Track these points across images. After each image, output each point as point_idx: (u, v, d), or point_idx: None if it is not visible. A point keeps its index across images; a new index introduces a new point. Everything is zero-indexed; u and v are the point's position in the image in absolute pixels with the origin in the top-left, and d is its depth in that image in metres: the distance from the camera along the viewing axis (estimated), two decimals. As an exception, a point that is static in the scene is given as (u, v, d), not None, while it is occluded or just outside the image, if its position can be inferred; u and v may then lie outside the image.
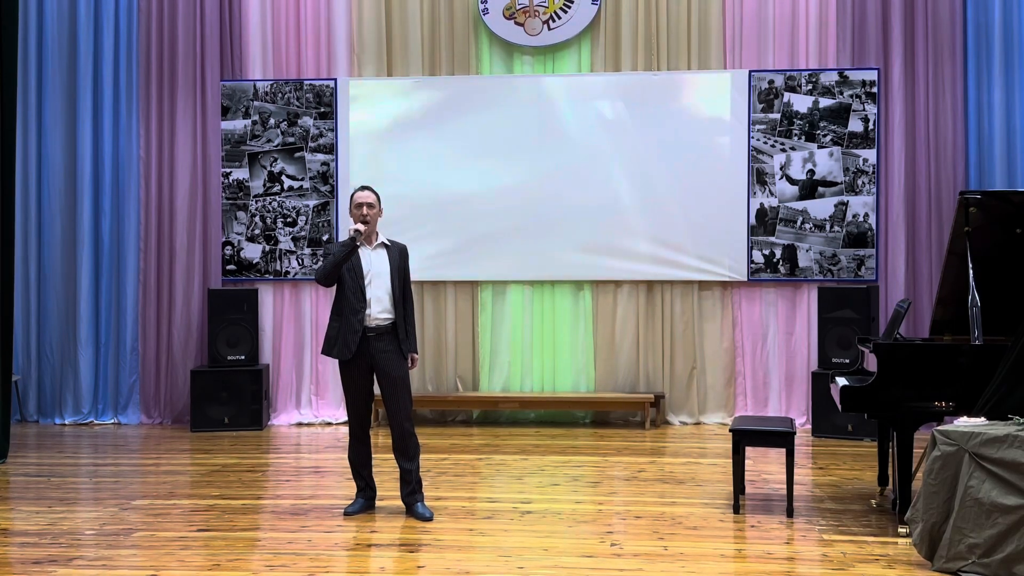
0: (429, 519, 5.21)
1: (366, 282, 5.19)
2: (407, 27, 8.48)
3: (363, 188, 5.36)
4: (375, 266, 5.24)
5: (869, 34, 8.03)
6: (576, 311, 8.43)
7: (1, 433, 6.85)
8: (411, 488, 5.31)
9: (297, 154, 8.50)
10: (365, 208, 5.22)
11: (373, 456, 5.49)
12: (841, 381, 5.20)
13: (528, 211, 8.33)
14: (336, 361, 5.36)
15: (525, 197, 8.33)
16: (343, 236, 8.38)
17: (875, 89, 8.00)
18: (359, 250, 5.23)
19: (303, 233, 8.47)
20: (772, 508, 5.42)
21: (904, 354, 4.86)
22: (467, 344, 8.42)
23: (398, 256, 5.32)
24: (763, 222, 8.14)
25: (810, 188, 8.10)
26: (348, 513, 5.33)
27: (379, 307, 5.20)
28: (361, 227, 5.17)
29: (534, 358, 8.45)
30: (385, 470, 5.81)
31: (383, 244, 5.33)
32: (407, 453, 5.26)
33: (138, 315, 8.51)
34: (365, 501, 5.40)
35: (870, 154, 8.02)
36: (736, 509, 5.32)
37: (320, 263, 5.24)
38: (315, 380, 8.53)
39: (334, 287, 5.30)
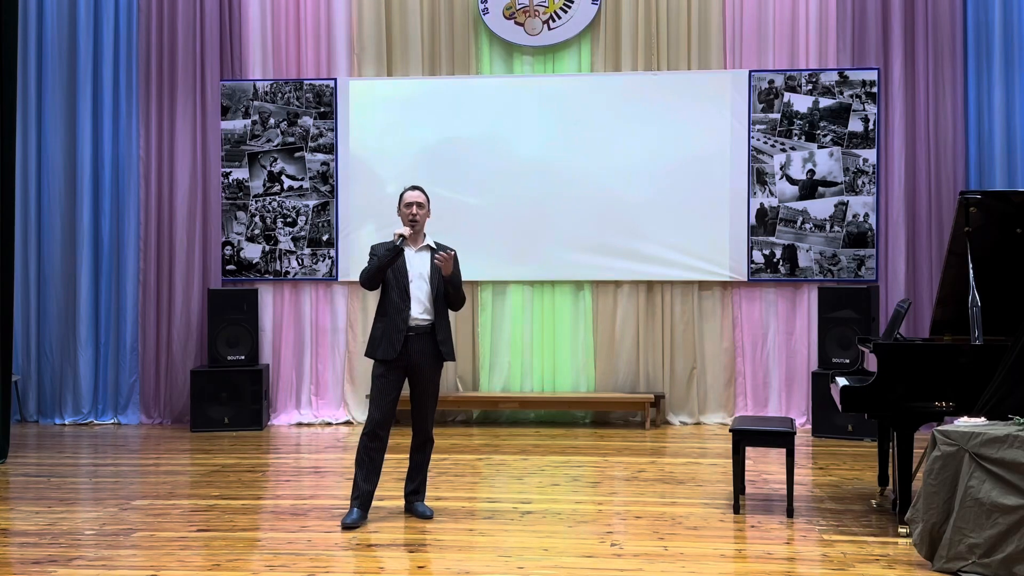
0: (429, 517, 5.21)
1: (408, 282, 5.13)
2: (407, 27, 8.48)
3: (413, 188, 5.28)
4: (416, 268, 5.18)
5: (869, 34, 8.03)
6: (576, 311, 8.43)
7: (1, 433, 6.85)
8: (415, 487, 5.32)
9: (297, 154, 8.50)
10: (415, 208, 5.17)
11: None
12: (841, 381, 5.20)
13: (528, 211, 8.33)
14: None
15: (525, 197, 8.33)
16: (343, 235, 8.41)
17: (875, 89, 8.00)
18: (404, 251, 5.16)
19: (303, 233, 8.48)
20: (772, 508, 5.42)
21: (904, 354, 4.85)
22: (467, 344, 8.42)
23: None
24: (763, 222, 8.13)
25: (810, 188, 8.10)
26: (347, 526, 5.09)
27: (419, 308, 5.13)
28: (407, 231, 5.11)
29: (534, 358, 8.44)
30: (385, 470, 5.77)
31: (428, 247, 5.25)
32: (425, 455, 5.30)
33: (138, 315, 8.51)
34: (361, 511, 5.18)
35: (870, 154, 8.02)
36: (736, 509, 5.32)
37: (365, 266, 5.19)
38: (315, 380, 8.52)
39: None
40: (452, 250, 5.25)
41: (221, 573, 4.37)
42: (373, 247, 5.26)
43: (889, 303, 7.83)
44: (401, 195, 5.28)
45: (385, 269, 5.11)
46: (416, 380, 5.20)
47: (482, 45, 8.51)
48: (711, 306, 8.28)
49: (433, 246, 5.27)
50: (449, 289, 5.20)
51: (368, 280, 5.16)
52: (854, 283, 7.90)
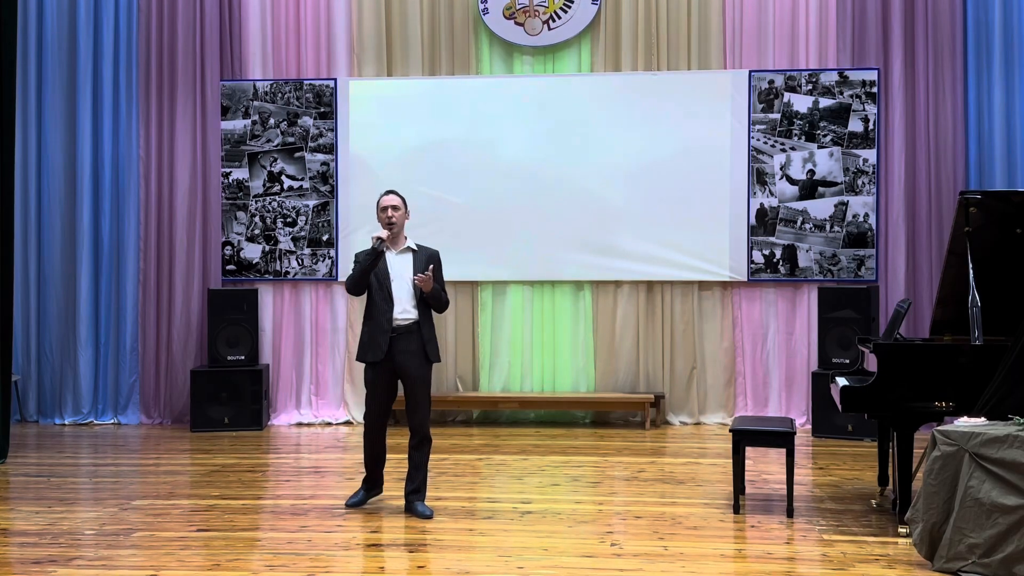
0: (429, 517, 5.23)
1: (391, 284, 5.25)
2: (407, 27, 8.48)
3: (388, 192, 5.39)
4: (397, 269, 5.28)
5: (869, 34, 8.03)
6: (576, 311, 8.43)
7: (1, 433, 6.85)
8: (415, 486, 5.34)
9: (297, 154, 8.50)
10: (390, 211, 5.27)
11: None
12: (841, 381, 5.20)
13: (528, 211, 8.32)
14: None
15: (525, 197, 8.33)
16: (343, 235, 8.41)
17: (875, 89, 8.00)
18: (385, 254, 5.27)
19: (303, 233, 8.47)
20: (772, 508, 5.42)
21: (904, 354, 4.85)
22: (467, 344, 8.42)
23: (424, 260, 5.29)
24: (763, 222, 8.13)
25: (810, 188, 8.10)
26: (349, 504, 5.45)
27: (399, 308, 5.24)
28: (384, 234, 5.21)
29: (534, 358, 8.44)
30: (385, 470, 5.79)
31: (409, 249, 5.34)
32: (421, 451, 5.33)
33: (138, 315, 8.51)
34: (366, 492, 5.51)
35: (870, 154, 8.02)
36: (736, 509, 5.32)
37: (351, 273, 5.31)
38: (315, 380, 8.52)
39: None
40: (434, 253, 5.35)
41: (221, 573, 4.37)
42: (357, 254, 5.41)
43: (889, 303, 7.83)
44: (378, 200, 5.37)
45: (368, 273, 5.23)
46: (404, 380, 5.30)
47: (482, 45, 8.51)
48: (711, 306, 8.28)
49: (414, 248, 5.36)
50: (430, 301, 5.29)
51: (353, 286, 5.31)
52: (854, 283, 7.90)
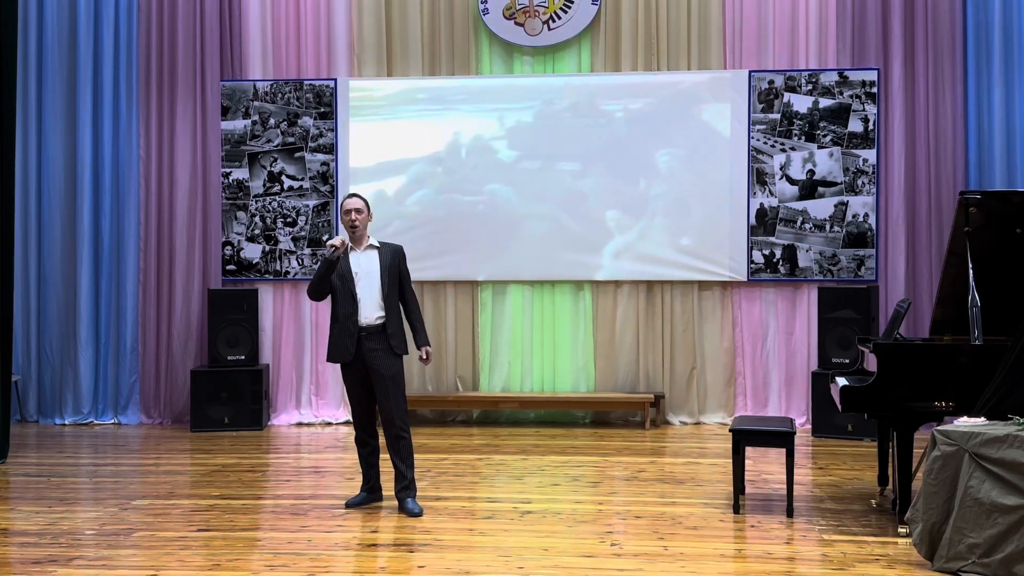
0: (418, 515, 5.24)
1: (355, 283, 5.29)
2: (407, 27, 8.48)
3: (352, 195, 5.49)
4: (362, 267, 5.33)
5: (869, 34, 8.03)
6: (576, 311, 8.43)
7: (1, 433, 6.85)
8: (404, 484, 5.35)
9: (297, 154, 8.50)
10: (354, 214, 5.35)
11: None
12: (841, 381, 5.20)
13: (528, 211, 8.33)
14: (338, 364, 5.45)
15: (525, 197, 8.33)
16: (343, 235, 8.39)
17: (875, 89, 8.00)
18: (349, 253, 5.33)
19: (303, 233, 8.47)
20: (772, 508, 5.42)
21: (904, 354, 4.85)
22: (467, 344, 8.42)
23: (389, 256, 5.38)
24: (763, 222, 8.14)
25: (810, 188, 8.10)
26: (349, 504, 5.47)
27: (368, 308, 5.30)
28: (337, 242, 5.27)
29: (534, 358, 8.44)
30: (384, 470, 5.80)
31: (373, 246, 5.40)
32: (399, 453, 5.31)
33: (138, 315, 8.51)
34: (368, 495, 5.52)
35: (870, 154, 8.02)
36: (736, 509, 5.32)
37: (311, 279, 5.38)
38: (315, 380, 8.53)
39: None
40: (399, 248, 5.43)
41: (221, 573, 4.37)
42: (320, 256, 5.42)
43: (889, 303, 7.82)
44: (342, 203, 5.46)
45: (325, 279, 5.30)
46: (374, 375, 5.31)
47: (482, 45, 8.51)
48: (711, 306, 8.28)
49: (377, 245, 5.42)
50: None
51: (312, 291, 5.40)
52: (854, 283, 7.90)
